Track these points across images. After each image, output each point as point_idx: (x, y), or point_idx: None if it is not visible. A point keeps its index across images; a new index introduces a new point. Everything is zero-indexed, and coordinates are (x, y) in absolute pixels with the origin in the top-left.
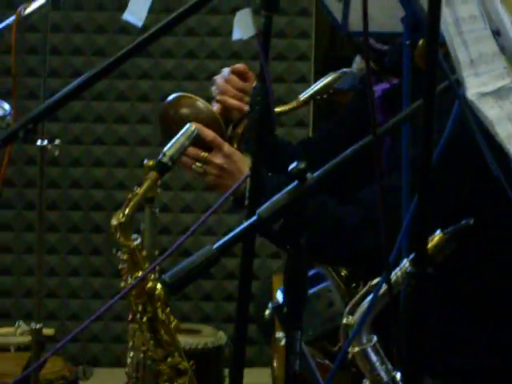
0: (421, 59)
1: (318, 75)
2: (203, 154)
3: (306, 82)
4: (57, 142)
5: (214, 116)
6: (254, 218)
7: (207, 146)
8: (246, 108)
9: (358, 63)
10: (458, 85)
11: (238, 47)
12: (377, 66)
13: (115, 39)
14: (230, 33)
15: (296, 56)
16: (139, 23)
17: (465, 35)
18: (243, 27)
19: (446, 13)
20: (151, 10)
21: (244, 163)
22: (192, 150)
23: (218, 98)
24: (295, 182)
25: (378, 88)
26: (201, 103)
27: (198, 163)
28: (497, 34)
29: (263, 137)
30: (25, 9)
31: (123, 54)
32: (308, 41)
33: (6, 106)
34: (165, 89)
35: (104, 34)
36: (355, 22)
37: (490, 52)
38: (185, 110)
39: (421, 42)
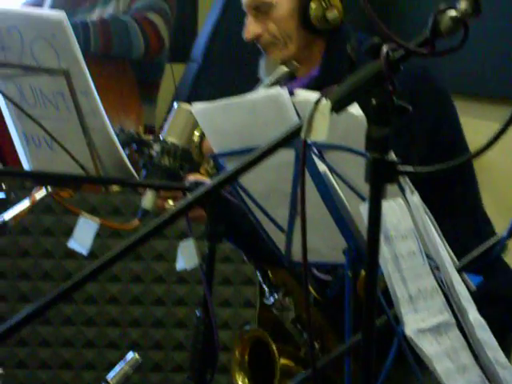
0: (363, 290)
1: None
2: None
3: (251, 307)
4: (0, 370)
5: None
6: None
7: None
8: None
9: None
10: (396, 320)
11: (184, 272)
12: (319, 296)
13: (62, 264)
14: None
15: (241, 280)
16: (84, 251)
17: (404, 272)
18: (187, 257)
19: (384, 250)
20: (98, 235)
21: None
22: (164, 193)
23: None
24: None
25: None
26: None
27: (170, 202)
28: (436, 268)
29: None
30: None
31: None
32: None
33: None
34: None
35: (50, 258)
36: (298, 253)
37: (428, 288)
38: None
39: (363, 273)
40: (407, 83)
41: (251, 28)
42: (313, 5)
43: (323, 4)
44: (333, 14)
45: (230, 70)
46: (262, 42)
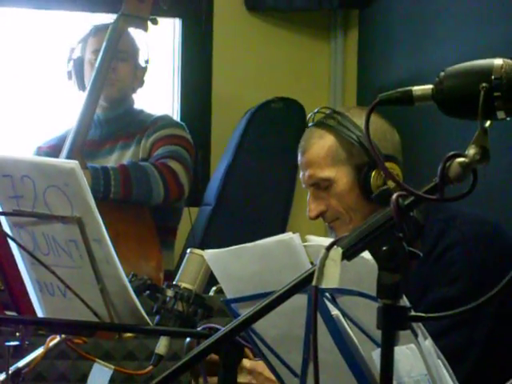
0: None
1: None
2: None
3: None
4: None
5: None
6: None
7: None
8: None
9: None
10: None
11: None
12: None
13: None
14: None
15: None
16: None
17: None
18: None
19: None
20: (112, 380)
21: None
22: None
23: None
24: None
25: None
26: None
27: None
28: None
29: None
30: None
31: None
32: None
33: None
34: None
35: None
36: None
37: None
38: None
39: None
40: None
41: (313, 206)
42: (373, 174)
43: (383, 172)
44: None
45: (242, 213)
46: (327, 219)
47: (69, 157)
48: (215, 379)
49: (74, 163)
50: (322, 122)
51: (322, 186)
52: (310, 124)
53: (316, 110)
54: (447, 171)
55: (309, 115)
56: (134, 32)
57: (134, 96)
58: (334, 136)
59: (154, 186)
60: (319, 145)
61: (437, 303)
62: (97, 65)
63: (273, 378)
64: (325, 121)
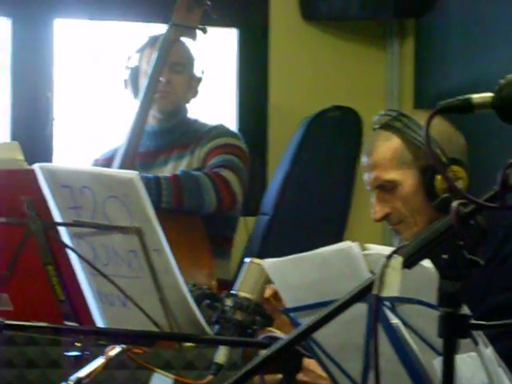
0: None
1: None
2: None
3: None
4: None
5: None
6: None
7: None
8: None
9: None
10: None
11: None
12: None
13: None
14: None
15: None
16: None
17: None
18: None
19: None
20: None
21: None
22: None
23: None
24: None
25: None
26: None
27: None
28: None
29: None
30: None
31: None
32: None
33: None
34: None
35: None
36: None
37: None
38: None
39: None
40: None
41: (378, 208)
42: (438, 177)
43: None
44: (459, 185)
45: (300, 222)
46: (392, 222)
47: (120, 168)
48: (272, 377)
49: (133, 173)
50: (388, 124)
51: (386, 189)
52: (375, 126)
53: (383, 113)
54: (507, 179)
55: (375, 117)
56: (190, 43)
57: (188, 106)
58: (400, 138)
59: (205, 195)
60: (385, 147)
61: (497, 308)
62: (148, 75)
63: (324, 375)
64: (391, 123)
